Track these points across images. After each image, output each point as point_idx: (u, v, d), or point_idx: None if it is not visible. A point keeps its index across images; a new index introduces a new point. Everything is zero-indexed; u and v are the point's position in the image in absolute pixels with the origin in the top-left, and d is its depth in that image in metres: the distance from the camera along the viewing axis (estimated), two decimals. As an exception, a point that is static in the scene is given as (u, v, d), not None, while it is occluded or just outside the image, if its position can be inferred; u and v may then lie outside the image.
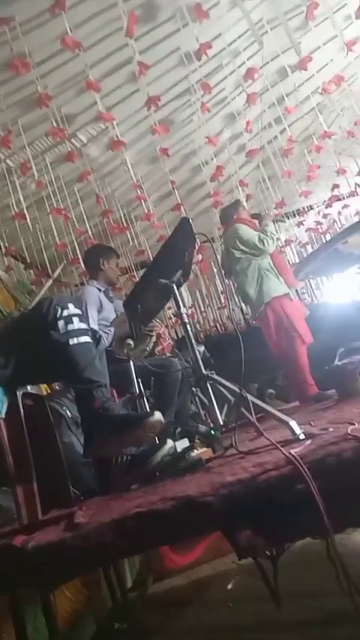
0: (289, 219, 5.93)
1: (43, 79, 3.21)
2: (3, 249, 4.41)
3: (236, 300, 5.48)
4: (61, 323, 1.61)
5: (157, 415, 1.55)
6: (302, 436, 1.35)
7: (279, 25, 3.40)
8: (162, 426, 1.56)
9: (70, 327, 1.62)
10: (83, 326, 1.66)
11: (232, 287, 4.09)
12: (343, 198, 5.75)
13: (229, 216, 3.83)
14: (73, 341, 1.60)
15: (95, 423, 1.57)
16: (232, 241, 3.66)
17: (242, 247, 3.63)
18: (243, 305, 5.89)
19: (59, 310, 1.62)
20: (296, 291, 7.21)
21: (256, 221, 3.77)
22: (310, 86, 4.12)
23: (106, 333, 2.70)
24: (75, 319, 1.64)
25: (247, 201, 4.92)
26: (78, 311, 1.67)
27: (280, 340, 3.52)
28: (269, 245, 3.57)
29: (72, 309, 1.65)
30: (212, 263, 5.57)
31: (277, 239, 3.76)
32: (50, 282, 3.80)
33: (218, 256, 3.93)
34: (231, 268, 3.71)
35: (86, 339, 1.64)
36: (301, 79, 4.01)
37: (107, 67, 3.41)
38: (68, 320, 1.62)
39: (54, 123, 3.37)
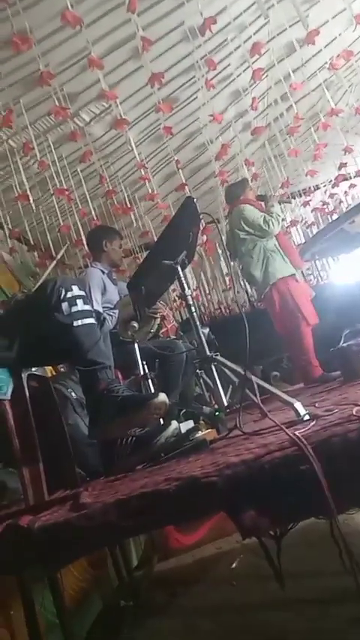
0: (295, 199, 5.87)
1: (45, 56, 3.15)
2: (6, 232, 4.38)
3: (241, 282, 5.44)
4: (65, 305, 1.60)
5: (162, 396, 1.54)
6: (307, 417, 1.35)
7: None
8: (166, 407, 1.56)
9: (74, 308, 1.60)
10: (87, 307, 1.65)
11: (238, 269, 4.06)
12: (350, 178, 5.67)
13: (234, 195, 3.78)
14: (77, 323, 1.59)
15: (100, 405, 1.57)
16: (236, 222, 3.63)
17: (247, 228, 3.59)
18: (248, 287, 5.86)
19: (63, 292, 1.61)
20: (302, 272, 7.19)
21: (262, 202, 3.73)
22: (318, 62, 4.03)
23: (110, 315, 2.70)
24: (79, 301, 1.62)
25: (253, 180, 4.87)
26: (82, 292, 1.66)
27: (285, 322, 3.51)
28: (274, 227, 3.52)
29: (76, 290, 1.63)
30: (217, 244, 5.53)
31: (283, 219, 3.72)
32: (54, 263, 3.78)
33: (223, 237, 3.90)
34: (236, 249, 3.68)
35: (90, 320, 1.63)
36: (308, 55, 3.92)
37: (109, 43, 3.34)
38: (72, 302, 1.61)
39: (56, 102, 3.32)
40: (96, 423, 1.58)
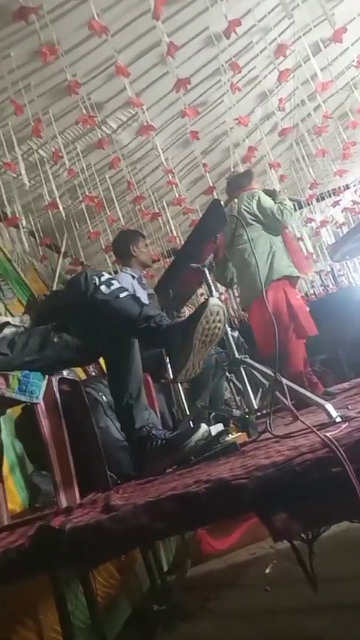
0: (324, 199, 5.79)
1: (72, 66, 3.20)
2: (37, 239, 4.47)
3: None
4: (103, 287, 1.68)
5: (203, 429, 1.61)
6: (339, 419, 1.33)
7: (311, -4, 3.28)
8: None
9: (112, 287, 1.69)
10: (122, 285, 1.73)
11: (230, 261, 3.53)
12: (381, 177, 5.57)
13: (240, 185, 3.53)
14: (122, 295, 1.68)
15: (141, 446, 1.67)
16: (247, 204, 3.32)
17: (258, 213, 3.30)
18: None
19: (96, 279, 1.69)
20: (332, 273, 7.05)
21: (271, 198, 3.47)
22: (344, 60, 3.98)
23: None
24: (113, 281, 1.71)
25: (281, 182, 4.83)
26: (112, 276, 1.75)
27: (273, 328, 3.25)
28: (288, 217, 3.26)
29: (106, 275, 1.73)
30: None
31: (306, 222, 3.58)
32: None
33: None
34: (233, 237, 3.28)
35: (129, 293, 1.71)
36: (335, 54, 3.87)
37: (135, 51, 3.37)
38: (108, 283, 1.69)
39: (84, 110, 3.37)
40: (141, 467, 1.68)
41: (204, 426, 1.70)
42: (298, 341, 3.20)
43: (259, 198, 3.33)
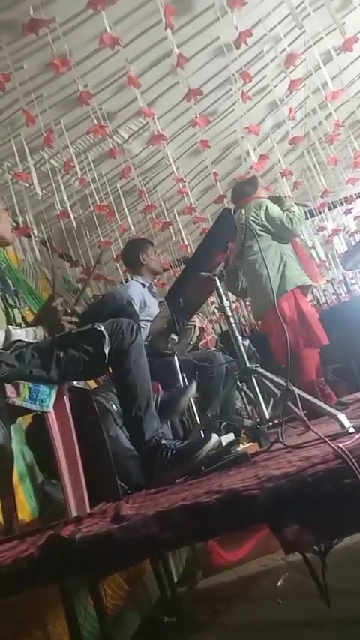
0: (335, 207, 5.78)
1: (84, 77, 3.24)
2: (49, 248, 4.50)
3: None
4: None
5: (214, 439, 1.61)
6: (351, 430, 1.31)
7: (322, 6, 3.28)
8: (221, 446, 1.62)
9: None
10: None
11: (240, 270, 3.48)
12: (393, 184, 5.53)
13: (246, 193, 3.44)
14: None
15: (151, 456, 1.66)
16: (255, 214, 3.25)
17: (267, 224, 3.22)
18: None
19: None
20: (345, 282, 7.02)
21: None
22: (355, 69, 3.99)
23: (143, 327, 2.71)
24: None
25: (293, 190, 4.82)
26: None
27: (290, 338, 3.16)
28: (297, 225, 3.20)
29: None
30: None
31: (315, 227, 3.54)
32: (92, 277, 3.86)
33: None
34: (243, 247, 3.25)
35: None
36: (346, 62, 3.87)
37: (147, 61, 3.41)
38: None
39: (95, 121, 3.41)
40: (150, 474, 1.67)
41: (215, 437, 1.69)
42: (312, 349, 3.16)
43: (266, 208, 3.26)
